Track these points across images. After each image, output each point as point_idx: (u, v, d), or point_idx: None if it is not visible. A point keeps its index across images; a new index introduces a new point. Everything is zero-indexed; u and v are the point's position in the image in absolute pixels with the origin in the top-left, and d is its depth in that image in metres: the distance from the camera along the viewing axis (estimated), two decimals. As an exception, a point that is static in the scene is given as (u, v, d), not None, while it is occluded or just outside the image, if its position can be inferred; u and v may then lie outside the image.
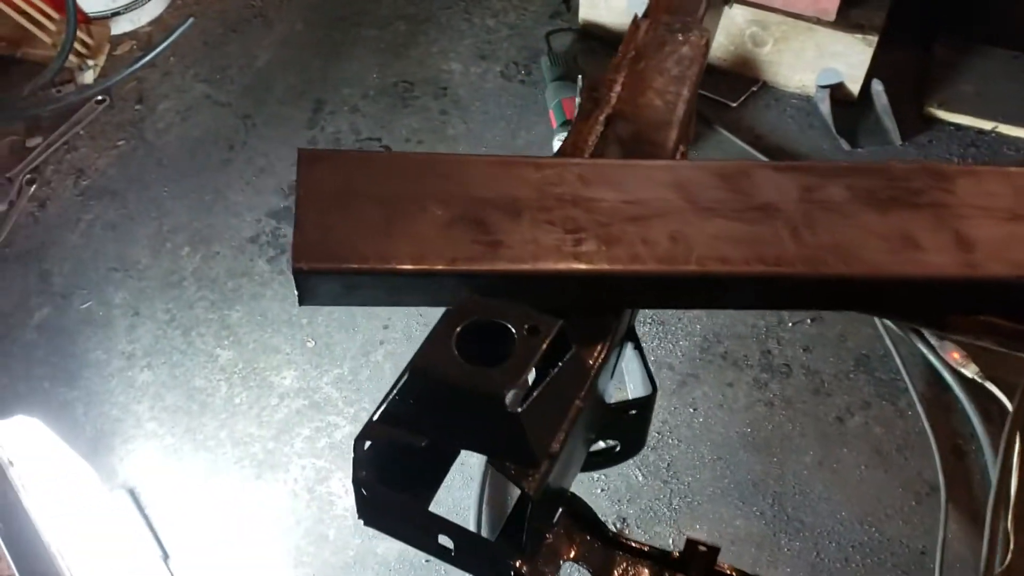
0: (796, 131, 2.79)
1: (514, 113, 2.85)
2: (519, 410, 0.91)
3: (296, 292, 1.04)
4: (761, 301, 1.24)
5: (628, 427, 1.22)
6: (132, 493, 2.12)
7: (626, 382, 1.28)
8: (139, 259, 2.51)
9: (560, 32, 3.04)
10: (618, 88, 1.32)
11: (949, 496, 2.05)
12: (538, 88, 2.88)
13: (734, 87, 2.87)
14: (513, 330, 0.95)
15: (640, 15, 1.44)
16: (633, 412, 1.19)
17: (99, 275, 2.48)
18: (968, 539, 2.01)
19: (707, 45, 1.40)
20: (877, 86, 2.72)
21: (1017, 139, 2.66)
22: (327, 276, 1.04)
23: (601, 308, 1.13)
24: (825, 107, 2.75)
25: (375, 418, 1.01)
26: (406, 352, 1.96)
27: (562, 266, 1.05)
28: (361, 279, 1.05)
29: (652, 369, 1.18)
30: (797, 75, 2.83)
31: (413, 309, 2.30)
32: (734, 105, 2.83)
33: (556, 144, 2.64)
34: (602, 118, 1.29)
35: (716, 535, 2.02)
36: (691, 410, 2.21)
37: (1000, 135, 2.68)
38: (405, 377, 0.97)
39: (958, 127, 2.73)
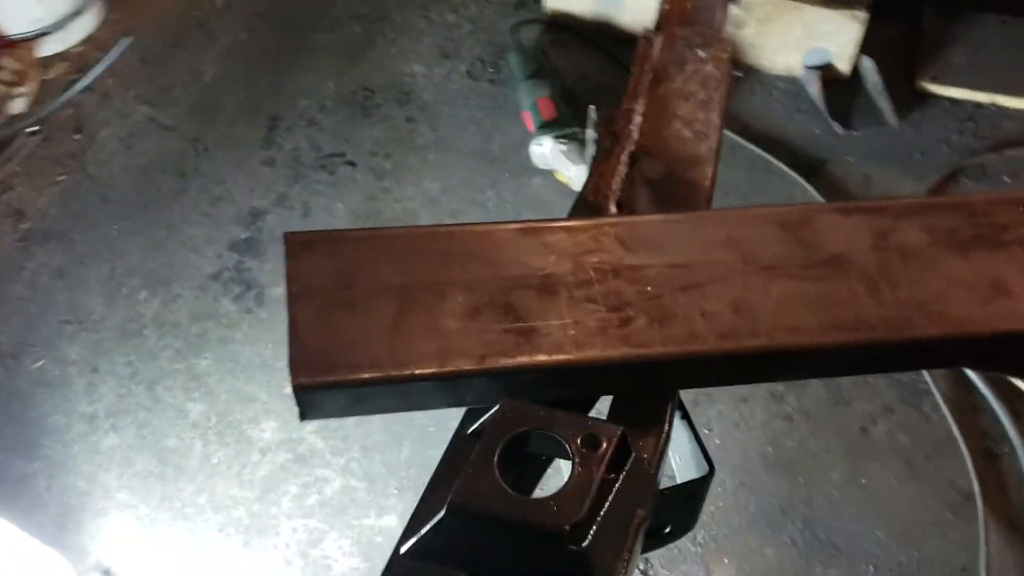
0: (785, 116, 2.64)
1: (485, 116, 2.66)
2: (584, 546, 0.75)
3: (297, 408, 0.87)
4: (838, 369, 1.08)
5: (680, 509, 1.06)
6: (107, 574, 1.92)
7: (670, 455, 1.12)
8: (93, 308, 2.29)
9: (527, 24, 2.85)
10: (638, 119, 1.15)
11: (986, 505, 1.93)
12: (508, 87, 2.70)
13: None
14: (567, 445, 0.78)
15: (651, 29, 1.27)
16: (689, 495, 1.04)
17: (50, 329, 2.26)
18: (1010, 548, 1.90)
19: (731, 61, 1.23)
20: (867, 63, 2.58)
21: (1017, 111, 2.54)
22: (333, 390, 0.87)
23: (651, 392, 0.97)
24: (814, 89, 2.61)
25: (403, 551, 0.84)
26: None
27: (610, 352, 0.89)
28: (374, 389, 0.87)
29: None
30: (782, 57, 2.67)
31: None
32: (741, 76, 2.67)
33: (534, 149, 2.47)
34: (624, 157, 1.12)
35: (747, 569, 1.89)
36: (706, 431, 2.06)
37: (1000, 107, 2.56)
38: (440, 515, 0.80)
39: (953, 101, 2.60)
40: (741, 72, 2.69)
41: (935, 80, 2.60)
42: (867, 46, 2.59)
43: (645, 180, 1.10)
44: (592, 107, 1.20)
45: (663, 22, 1.28)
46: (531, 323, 0.89)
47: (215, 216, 2.46)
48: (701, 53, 1.22)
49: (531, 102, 2.54)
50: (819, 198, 2.39)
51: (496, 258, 0.93)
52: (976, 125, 2.55)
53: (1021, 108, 2.54)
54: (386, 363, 0.86)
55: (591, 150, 1.23)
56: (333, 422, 2.10)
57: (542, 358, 0.88)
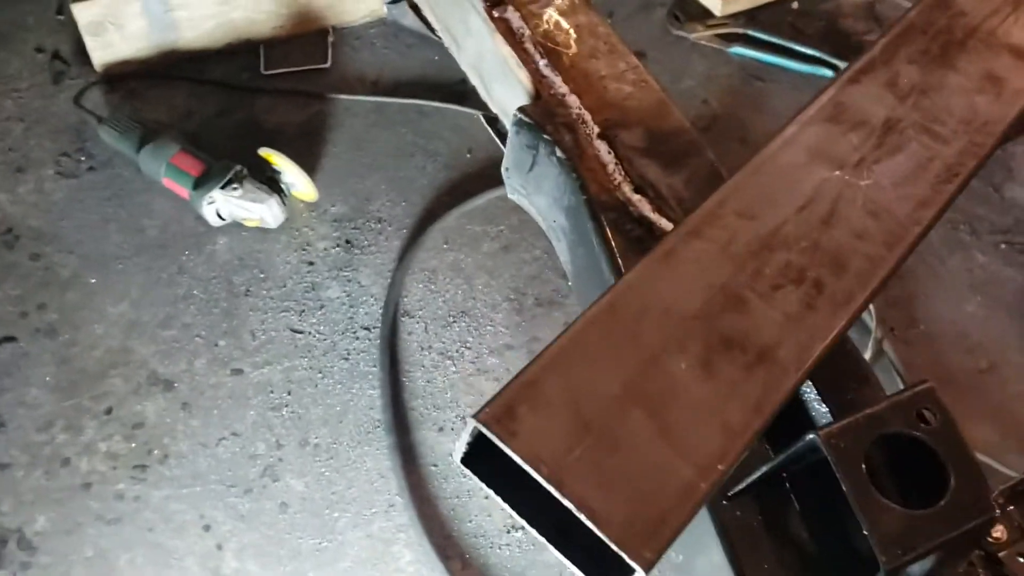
0: (401, 58, 2.56)
1: (116, 208, 2.25)
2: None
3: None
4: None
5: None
6: None
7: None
8: None
9: (84, 92, 2.41)
10: (573, 99, 1.03)
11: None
12: (121, 166, 2.29)
13: (311, 50, 2.53)
14: (952, 481, 0.71)
15: (486, 6, 1.12)
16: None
17: None
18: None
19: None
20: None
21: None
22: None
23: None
24: (409, 19, 2.54)
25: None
26: None
27: (835, 320, 0.81)
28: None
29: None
30: (362, 4, 2.56)
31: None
32: (327, 65, 2.51)
33: (207, 210, 2.14)
34: (598, 142, 1.00)
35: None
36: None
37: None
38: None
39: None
40: (331, 36, 2.54)
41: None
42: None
43: (636, 151, 1.00)
44: (516, 114, 1.04)
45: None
46: (758, 340, 0.78)
47: None
48: (556, 7, 1.11)
49: (164, 167, 2.18)
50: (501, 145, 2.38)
51: (666, 306, 0.80)
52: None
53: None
54: (696, 479, 0.71)
55: (518, 153, 1.08)
56: None
57: (795, 373, 0.78)
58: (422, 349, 2.10)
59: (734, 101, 2.59)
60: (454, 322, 2.13)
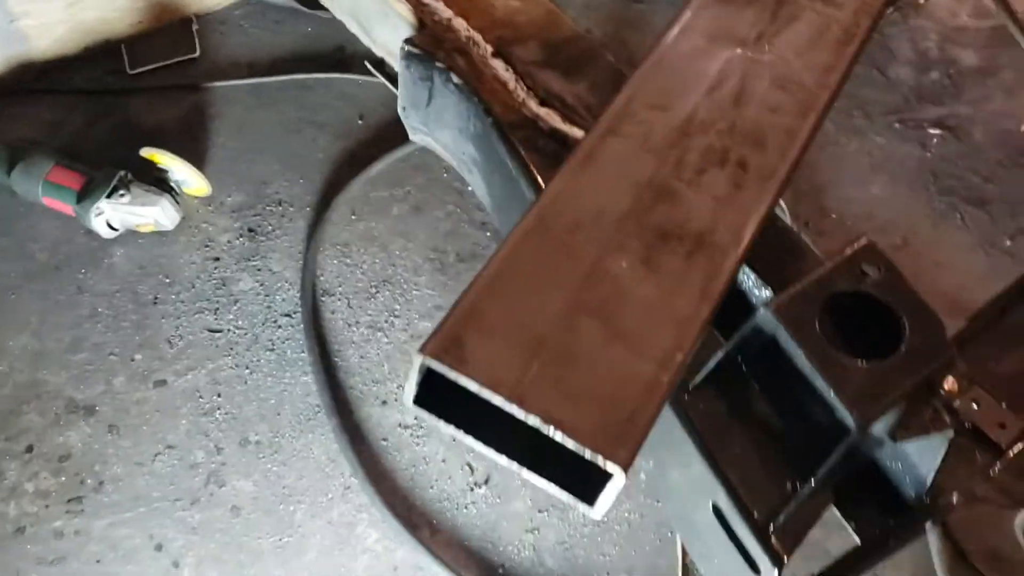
0: (273, 36, 2.46)
1: (-2, 238, 2.12)
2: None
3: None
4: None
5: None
6: None
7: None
8: None
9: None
10: (460, 22, 0.99)
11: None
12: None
13: (176, 41, 2.42)
14: (907, 330, 0.70)
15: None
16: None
17: None
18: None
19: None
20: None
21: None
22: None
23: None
24: (274, -5, 2.46)
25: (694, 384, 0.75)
26: None
27: (765, 194, 0.80)
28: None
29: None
30: (222, -15, 2.46)
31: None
32: (196, 55, 2.40)
33: (98, 222, 2.03)
34: (494, 61, 0.96)
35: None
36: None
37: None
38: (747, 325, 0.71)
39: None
40: (195, 24, 2.43)
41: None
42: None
43: (534, 64, 0.96)
44: (404, 47, 1.00)
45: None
46: (693, 228, 0.76)
47: None
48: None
49: (41, 186, 2.06)
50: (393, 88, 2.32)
51: (596, 211, 0.77)
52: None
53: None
54: (657, 373, 0.69)
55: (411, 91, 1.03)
56: None
57: (742, 242, 0.77)
58: (349, 326, 2.04)
59: (616, 27, 2.57)
60: (377, 292, 2.08)
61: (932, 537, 1.77)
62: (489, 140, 0.97)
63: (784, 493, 0.78)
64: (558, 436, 0.65)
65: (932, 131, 2.28)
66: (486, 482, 1.87)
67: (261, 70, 2.40)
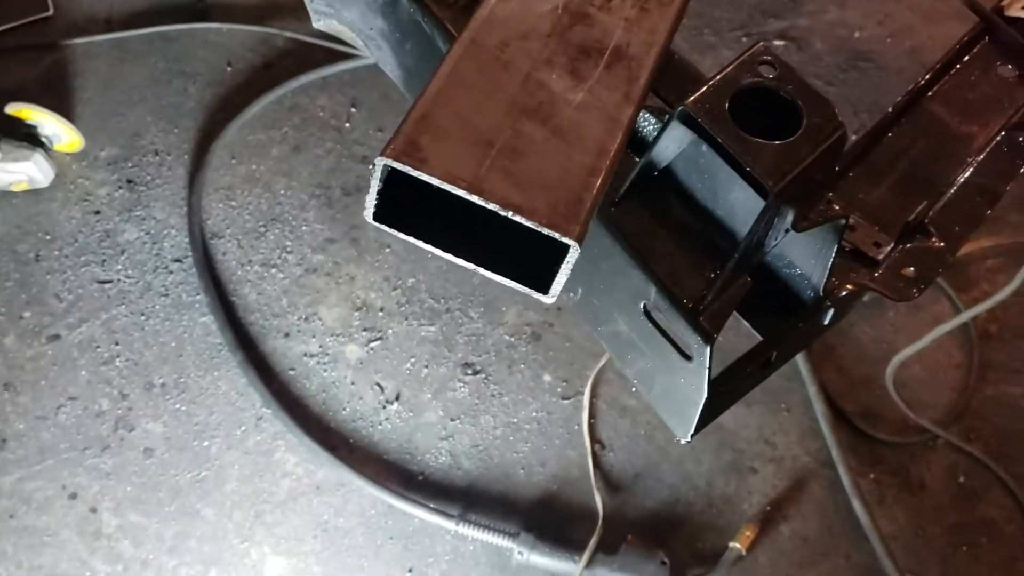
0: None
1: None
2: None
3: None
4: None
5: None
6: None
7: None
8: None
9: None
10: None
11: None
12: None
13: (26, 1, 2.34)
14: (805, 113, 0.80)
15: None
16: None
17: None
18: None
19: None
20: None
21: None
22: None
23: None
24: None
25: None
26: None
27: (670, 12, 0.89)
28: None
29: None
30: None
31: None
32: (50, 13, 2.32)
33: None
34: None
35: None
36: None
37: None
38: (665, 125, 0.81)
39: None
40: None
41: None
42: None
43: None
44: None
45: None
46: (609, 43, 0.85)
47: None
48: None
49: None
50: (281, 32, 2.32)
51: (522, 33, 0.84)
52: None
53: None
54: (596, 161, 0.77)
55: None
56: None
57: (652, 54, 0.85)
58: (242, 265, 2.05)
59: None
60: (266, 231, 2.09)
61: (817, 404, 1.93)
62: (399, 7, 1.02)
63: (708, 279, 0.87)
64: (518, 218, 0.72)
65: (776, 42, 2.45)
66: (397, 398, 1.92)
67: (121, 24, 2.35)
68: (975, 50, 1.31)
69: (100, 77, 2.26)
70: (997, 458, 1.89)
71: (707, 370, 0.87)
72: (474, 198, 0.72)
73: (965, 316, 1.88)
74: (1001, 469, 1.87)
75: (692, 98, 0.82)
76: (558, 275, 0.75)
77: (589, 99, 0.80)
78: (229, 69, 2.30)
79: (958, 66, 1.30)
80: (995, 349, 2.00)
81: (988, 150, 1.20)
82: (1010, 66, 1.28)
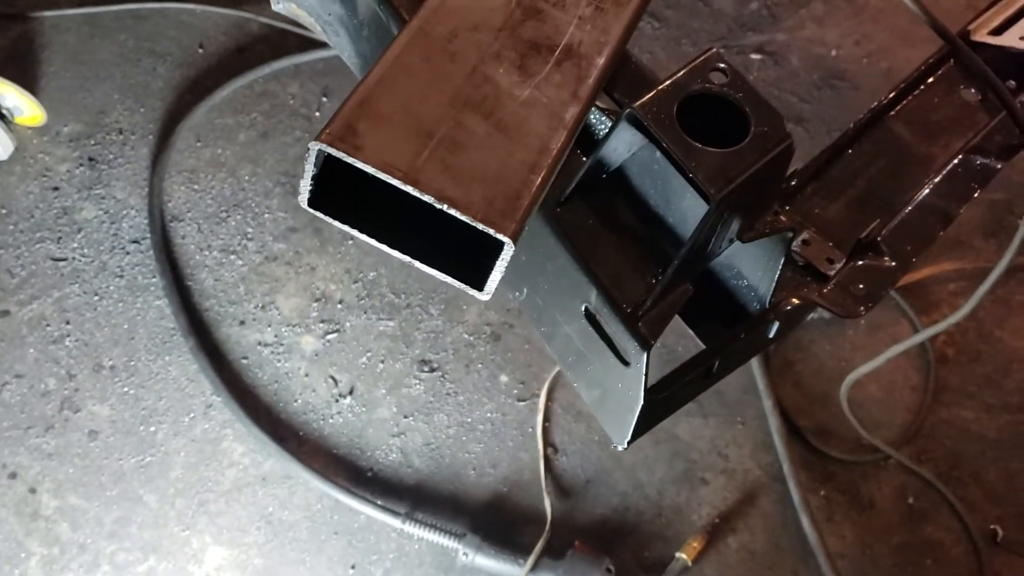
0: None
1: None
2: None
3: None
4: None
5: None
6: None
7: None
8: None
9: None
10: None
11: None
12: None
13: None
14: (752, 122, 0.79)
15: None
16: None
17: None
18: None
19: None
20: None
21: None
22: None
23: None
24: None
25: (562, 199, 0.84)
26: None
27: (625, 12, 0.88)
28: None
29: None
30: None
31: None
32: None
33: None
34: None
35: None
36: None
37: None
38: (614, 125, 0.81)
39: None
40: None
41: None
42: None
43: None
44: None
45: None
46: (560, 41, 0.83)
47: None
48: None
49: None
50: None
51: (472, 25, 0.82)
52: None
53: None
54: (537, 158, 0.76)
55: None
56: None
57: (604, 54, 0.84)
58: (201, 250, 2.02)
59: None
60: (228, 217, 2.06)
61: (771, 419, 1.93)
62: (357, -8, 1.01)
63: (648, 285, 0.86)
64: (453, 212, 0.70)
65: (754, 56, 2.45)
66: (351, 393, 1.90)
67: (92, 2, 2.31)
68: (940, 72, 1.32)
69: (68, 51, 2.22)
70: (947, 481, 1.89)
71: (644, 376, 0.86)
72: (409, 188, 0.71)
73: (920, 337, 1.88)
74: (950, 492, 1.87)
75: (640, 101, 0.81)
76: (493, 272, 0.74)
77: (535, 95, 0.78)
78: (200, 51, 2.27)
79: (922, 87, 1.31)
80: (951, 372, 2.00)
81: (945, 172, 1.20)
82: (973, 90, 1.28)
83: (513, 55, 0.80)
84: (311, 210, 0.77)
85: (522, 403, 1.92)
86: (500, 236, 0.70)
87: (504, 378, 1.94)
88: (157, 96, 2.19)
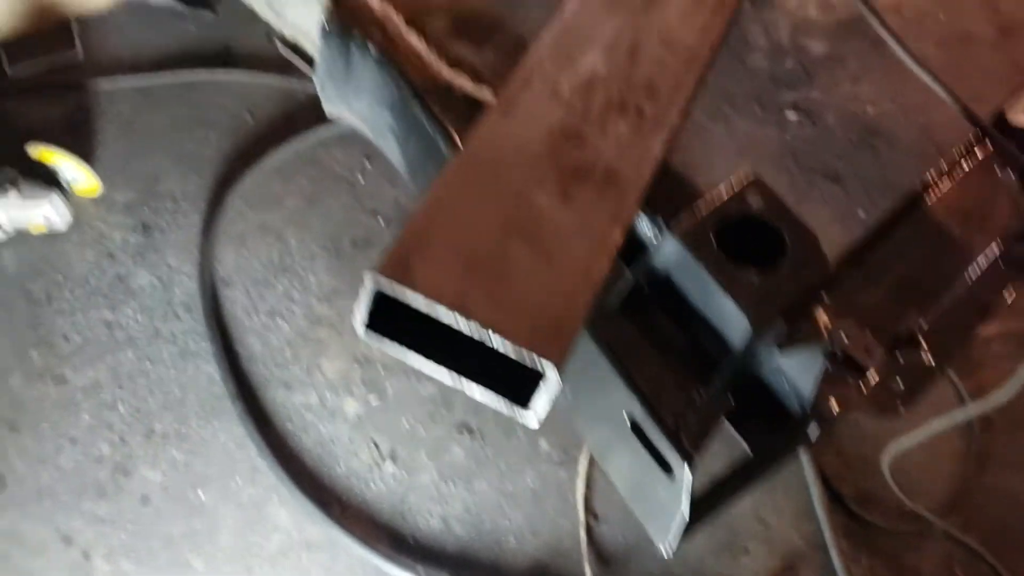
0: (156, 36, 2.45)
1: None
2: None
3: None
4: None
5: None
6: None
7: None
8: None
9: None
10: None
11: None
12: None
13: (56, 42, 2.38)
14: (789, 240, 0.82)
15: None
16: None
17: None
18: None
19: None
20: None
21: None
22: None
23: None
24: (158, -4, 2.45)
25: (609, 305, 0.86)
26: None
27: (663, 134, 0.91)
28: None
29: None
30: (100, -13, 2.44)
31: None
32: (79, 55, 2.37)
33: None
34: (407, 31, 1.04)
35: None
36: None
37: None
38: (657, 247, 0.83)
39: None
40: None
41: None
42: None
43: (445, 35, 1.04)
44: (322, 22, 1.06)
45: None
46: (601, 166, 0.86)
47: None
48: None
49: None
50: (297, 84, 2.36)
51: (517, 151, 0.86)
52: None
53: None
54: (580, 287, 0.79)
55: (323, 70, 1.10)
56: None
57: (644, 177, 0.87)
58: (249, 314, 2.07)
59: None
60: (275, 281, 2.12)
61: (813, 486, 1.93)
62: (406, 106, 1.04)
63: (690, 400, 0.88)
64: (496, 341, 0.74)
65: (789, 114, 2.46)
66: (392, 458, 1.93)
67: (146, 70, 2.39)
68: (976, 154, 1.33)
69: (122, 121, 2.30)
70: (994, 550, 1.87)
71: (686, 487, 0.88)
72: (457, 318, 0.74)
73: (966, 413, 1.87)
74: (997, 562, 1.85)
75: (682, 228, 0.83)
76: (540, 399, 0.76)
77: (578, 222, 0.81)
78: (250, 119, 2.34)
79: (959, 169, 1.32)
80: (995, 439, 1.99)
81: (985, 261, 1.21)
82: (1011, 172, 1.29)
83: (556, 182, 0.84)
84: (368, 335, 0.80)
85: (563, 469, 1.93)
86: (546, 363, 0.73)
87: (544, 444, 1.96)
88: (208, 164, 2.25)
